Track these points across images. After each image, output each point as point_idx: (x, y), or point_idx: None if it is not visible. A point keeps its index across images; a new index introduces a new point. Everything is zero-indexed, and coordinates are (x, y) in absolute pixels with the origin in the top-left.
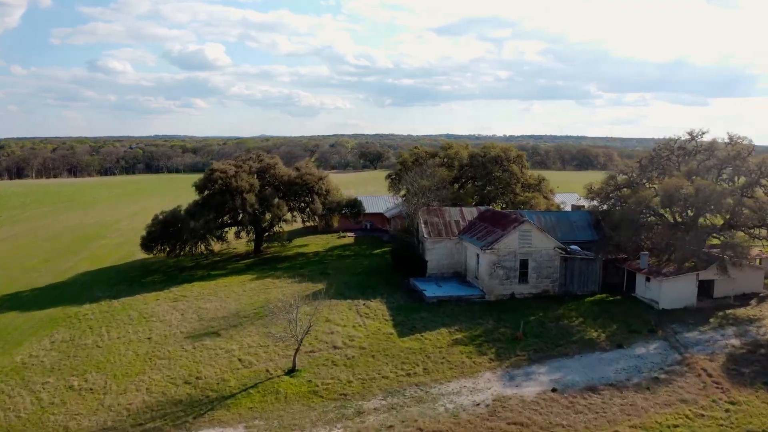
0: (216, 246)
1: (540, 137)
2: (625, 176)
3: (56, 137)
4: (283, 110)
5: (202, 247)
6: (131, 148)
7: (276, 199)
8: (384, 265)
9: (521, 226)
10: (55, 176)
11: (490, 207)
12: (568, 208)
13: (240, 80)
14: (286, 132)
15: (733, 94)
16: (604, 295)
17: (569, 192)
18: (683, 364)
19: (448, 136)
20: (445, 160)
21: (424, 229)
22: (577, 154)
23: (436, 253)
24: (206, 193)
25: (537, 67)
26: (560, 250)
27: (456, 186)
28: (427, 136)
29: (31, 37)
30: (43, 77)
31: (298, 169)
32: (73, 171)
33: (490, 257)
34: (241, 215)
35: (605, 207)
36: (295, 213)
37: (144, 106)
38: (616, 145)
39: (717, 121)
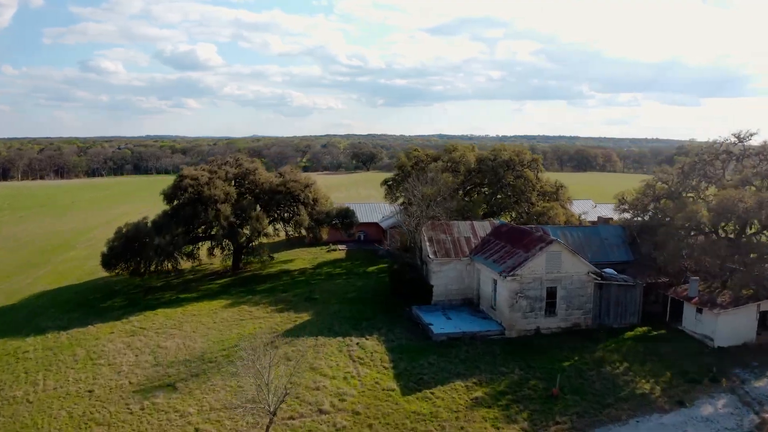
0: (186, 264)
1: (533, 137)
2: (664, 185)
3: (48, 137)
4: (275, 110)
5: (170, 266)
6: (119, 148)
7: (255, 211)
8: (380, 287)
9: (549, 247)
10: (41, 177)
11: (506, 222)
12: (590, 220)
13: (232, 80)
14: (278, 132)
15: (725, 94)
16: (644, 329)
17: (581, 198)
18: (764, 428)
19: (441, 136)
20: (449, 164)
21: (429, 249)
22: (575, 155)
23: (444, 276)
24: (175, 203)
25: (529, 68)
26: (595, 276)
27: (461, 193)
28: (419, 136)
29: (22, 37)
30: (35, 77)
31: (281, 175)
32: (60, 172)
33: (512, 285)
34: (214, 229)
35: (640, 220)
36: (278, 225)
37: (136, 106)
38: (609, 145)
39: (711, 122)
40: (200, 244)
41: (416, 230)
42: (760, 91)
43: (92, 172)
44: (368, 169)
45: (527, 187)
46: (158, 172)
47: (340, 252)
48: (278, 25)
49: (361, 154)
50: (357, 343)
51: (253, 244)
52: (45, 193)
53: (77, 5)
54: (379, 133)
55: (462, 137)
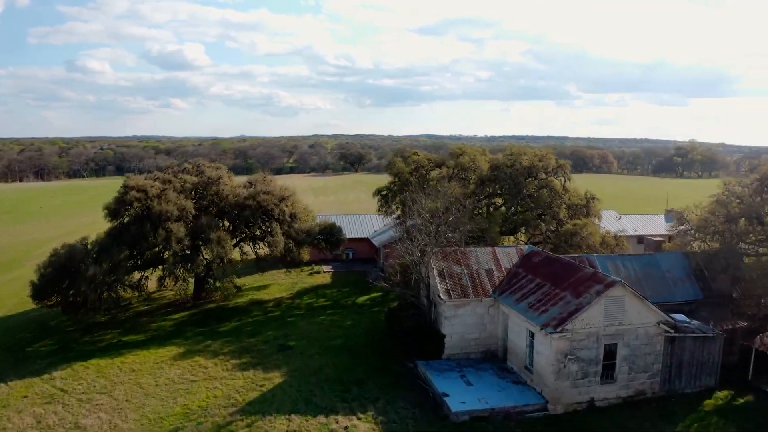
0: (129, 294)
1: (522, 137)
2: (738, 201)
3: (36, 138)
4: (263, 111)
5: (110, 298)
6: (102, 149)
7: (217, 231)
8: (374, 328)
9: (610, 290)
10: (20, 179)
11: (537, 248)
12: (628, 236)
13: (219, 80)
14: (266, 132)
15: (713, 94)
16: (725, 393)
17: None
18: None
19: (429, 136)
20: (456, 171)
21: (440, 286)
22: (570, 156)
23: (459, 323)
24: (119, 221)
25: (517, 68)
26: (666, 327)
27: (472, 208)
28: (408, 136)
29: (8, 36)
30: (22, 77)
31: (251, 185)
32: (41, 173)
33: (559, 344)
34: (166, 254)
35: (702, 245)
36: (248, 246)
37: (123, 106)
38: (599, 145)
39: (704, 121)
40: (150, 271)
41: (421, 260)
42: (748, 91)
43: (73, 174)
44: (356, 171)
45: (553, 200)
46: (141, 173)
47: (324, 275)
48: (265, 25)
49: (348, 155)
50: (345, 428)
51: (215, 273)
52: (16, 197)
53: (63, 4)
54: (367, 133)
55: (450, 137)
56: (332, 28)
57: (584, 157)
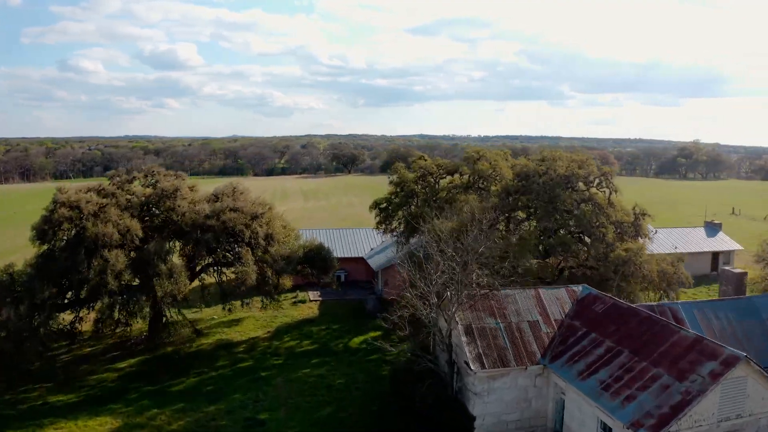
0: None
1: (516, 137)
2: None
3: (29, 138)
4: (256, 111)
5: (32, 349)
6: (90, 149)
7: (167, 263)
8: (374, 389)
9: (731, 371)
10: (6, 180)
11: (594, 291)
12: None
13: (213, 80)
14: (259, 132)
15: (706, 94)
16: None
17: None
18: None
19: (422, 136)
20: (473, 179)
21: (467, 349)
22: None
23: (495, 400)
24: (49, 245)
25: (511, 68)
26: None
27: (486, 223)
28: (401, 136)
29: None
30: (14, 77)
31: (216, 198)
32: (26, 174)
33: None
34: (104, 289)
35: None
36: (210, 277)
37: (117, 106)
38: (593, 145)
39: (701, 122)
40: (84, 310)
41: (439, 309)
42: (741, 91)
43: (60, 175)
44: (349, 172)
45: (599, 216)
46: (128, 174)
47: (310, 305)
48: (259, 25)
49: (341, 156)
50: None
51: (166, 315)
52: None
53: (56, 4)
54: (360, 133)
55: (444, 137)
56: (326, 28)
57: None
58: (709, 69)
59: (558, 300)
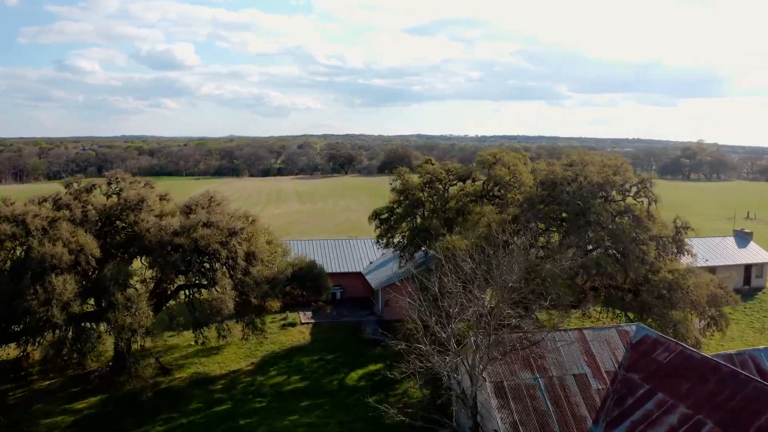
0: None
1: (514, 137)
2: None
3: (26, 138)
4: (253, 111)
5: None
6: (84, 149)
7: (126, 290)
8: None
9: None
10: None
11: (653, 332)
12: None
13: (210, 80)
14: (257, 132)
15: (705, 94)
16: None
17: None
18: None
19: (420, 136)
20: (488, 187)
21: (499, 415)
22: None
23: None
24: None
25: (508, 68)
26: None
27: (502, 238)
28: (398, 136)
29: None
30: (12, 77)
31: (190, 210)
32: (19, 175)
33: None
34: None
35: None
36: (182, 301)
37: (114, 106)
38: (591, 145)
39: (693, 122)
40: (32, 346)
41: (460, 359)
42: (739, 91)
43: (53, 175)
44: (346, 173)
45: (638, 232)
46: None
47: (301, 329)
48: (256, 25)
49: (338, 157)
50: None
51: (124, 353)
52: None
53: (53, 4)
54: (357, 133)
55: (441, 137)
56: (323, 28)
57: None
58: (707, 69)
59: (608, 344)
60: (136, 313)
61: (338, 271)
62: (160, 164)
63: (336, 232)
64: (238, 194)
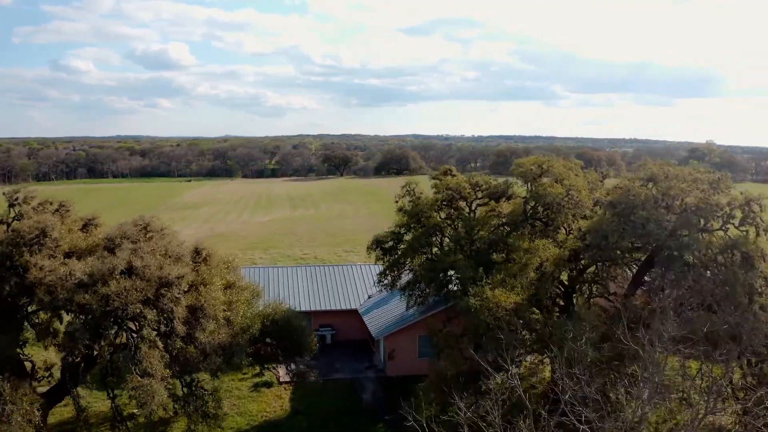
0: None
1: (510, 137)
2: None
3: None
4: (249, 111)
5: None
6: (74, 149)
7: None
8: None
9: None
10: None
11: None
12: None
13: (205, 80)
14: (253, 132)
15: (702, 94)
16: None
17: None
18: None
19: (416, 136)
20: (533, 209)
21: None
22: (577, 158)
23: None
24: None
25: (505, 68)
26: None
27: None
28: (394, 136)
29: None
30: (6, 77)
31: (112, 246)
32: (8, 176)
33: None
34: None
35: None
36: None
37: (109, 106)
38: (588, 145)
39: (701, 122)
40: None
41: None
42: (738, 92)
43: (42, 177)
44: (342, 174)
45: (753, 278)
46: (114, 176)
47: (278, 391)
48: (252, 25)
49: (333, 158)
50: None
51: None
52: None
53: (48, 3)
54: (353, 133)
55: (437, 137)
56: (319, 28)
57: (591, 159)
58: (703, 69)
59: None
60: (9, 420)
61: (328, 308)
62: (152, 165)
63: (329, 245)
64: (228, 198)
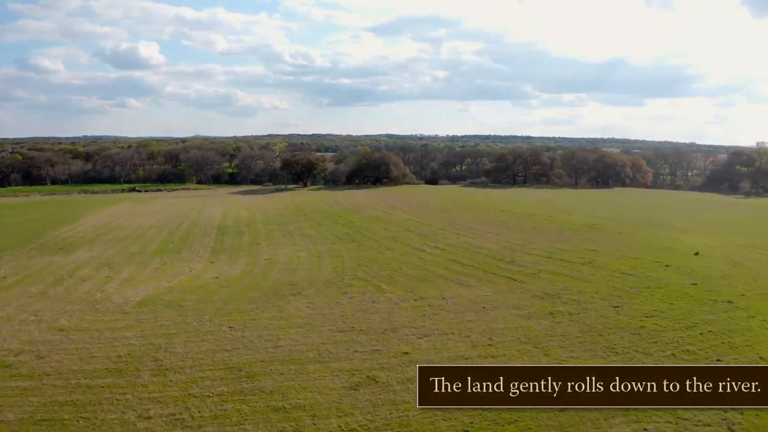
0: None
1: (486, 137)
2: None
3: None
4: (219, 110)
5: None
6: (12, 152)
7: None
8: None
9: None
10: None
11: None
12: None
13: (175, 79)
14: (223, 132)
15: (669, 94)
16: None
17: None
18: None
19: (389, 136)
20: None
21: None
22: (594, 163)
23: None
24: None
25: (474, 67)
26: None
27: None
28: (367, 136)
29: None
30: None
31: None
32: None
33: None
34: None
35: None
36: None
37: (78, 106)
38: (567, 145)
39: (684, 122)
40: None
41: None
42: (704, 91)
43: None
44: (305, 185)
45: None
46: (53, 182)
47: None
48: (221, 23)
49: (294, 164)
50: None
51: None
52: None
53: (15, 2)
54: (324, 132)
55: (411, 137)
56: (289, 27)
57: (609, 165)
58: (674, 68)
59: None
60: None
61: None
62: (96, 169)
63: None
64: (131, 230)
